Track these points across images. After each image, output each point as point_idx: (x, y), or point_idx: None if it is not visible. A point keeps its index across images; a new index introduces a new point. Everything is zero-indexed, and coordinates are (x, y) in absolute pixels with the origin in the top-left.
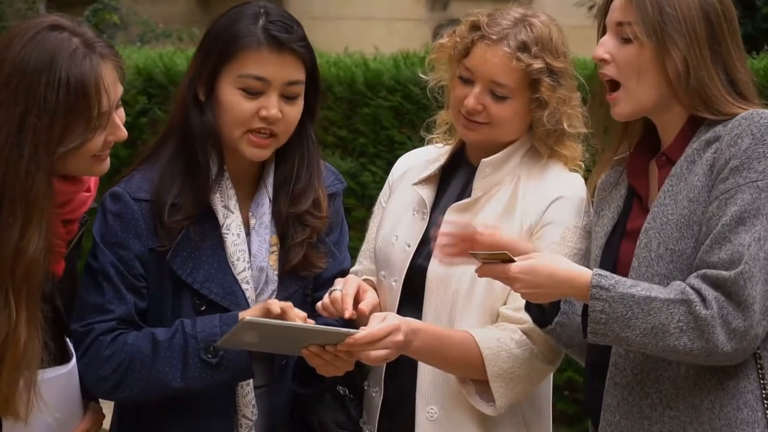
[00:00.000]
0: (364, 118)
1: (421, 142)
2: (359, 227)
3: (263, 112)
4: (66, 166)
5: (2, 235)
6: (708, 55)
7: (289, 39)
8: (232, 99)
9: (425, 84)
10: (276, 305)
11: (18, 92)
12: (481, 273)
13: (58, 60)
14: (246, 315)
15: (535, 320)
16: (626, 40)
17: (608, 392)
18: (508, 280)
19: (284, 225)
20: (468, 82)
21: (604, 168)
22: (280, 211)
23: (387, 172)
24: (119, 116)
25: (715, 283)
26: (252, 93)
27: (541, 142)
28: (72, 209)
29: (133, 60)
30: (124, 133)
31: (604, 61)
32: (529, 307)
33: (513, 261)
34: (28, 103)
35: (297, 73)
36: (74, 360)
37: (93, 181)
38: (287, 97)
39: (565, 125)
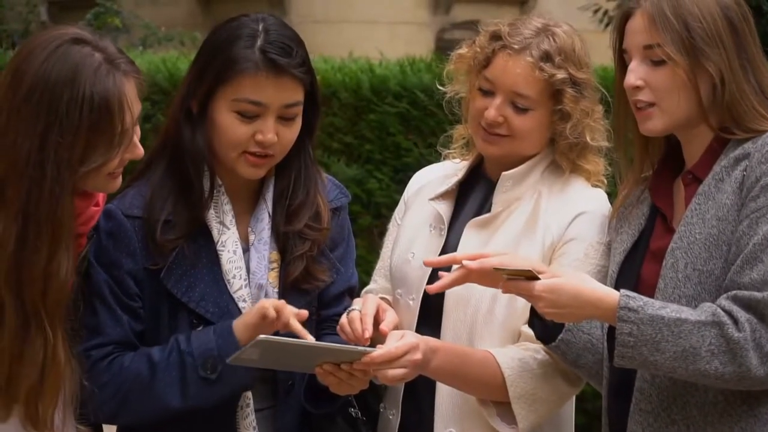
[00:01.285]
0: (369, 125)
1: (427, 149)
2: (365, 235)
3: (259, 137)
4: (85, 184)
5: (31, 258)
6: (737, 65)
7: (288, 64)
8: (227, 122)
9: (432, 90)
10: (270, 309)
11: (40, 107)
12: (505, 289)
13: (82, 75)
14: (240, 323)
15: (538, 336)
16: (657, 63)
17: (633, 418)
18: (532, 298)
19: (283, 240)
20: (488, 93)
21: (629, 189)
22: (279, 227)
23: (393, 179)
24: (136, 133)
25: (748, 305)
26: (248, 116)
27: (563, 156)
28: (82, 223)
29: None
30: (141, 151)
31: (638, 88)
32: (532, 323)
33: (538, 278)
34: (50, 118)
35: (295, 95)
36: None
37: (101, 195)
38: (284, 119)
39: (588, 138)
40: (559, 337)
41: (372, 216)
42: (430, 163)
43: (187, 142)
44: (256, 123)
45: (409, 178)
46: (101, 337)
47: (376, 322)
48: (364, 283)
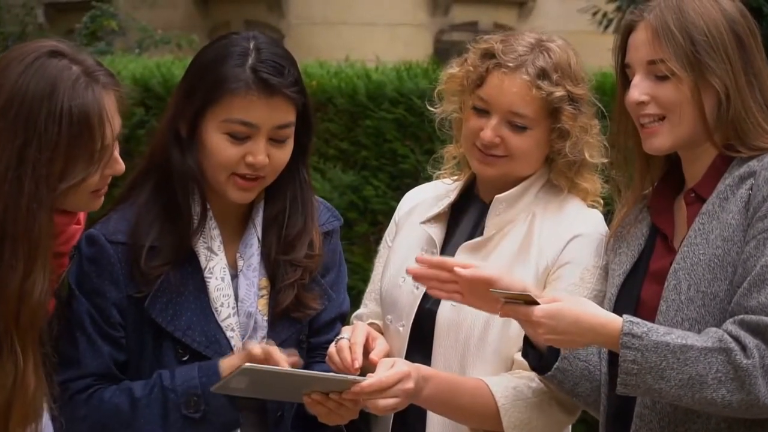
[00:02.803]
0: (366, 131)
1: (423, 155)
2: (361, 242)
3: (249, 159)
4: (65, 202)
5: (5, 276)
6: (743, 79)
7: (280, 83)
8: (217, 143)
9: (430, 97)
10: (258, 349)
11: (17, 122)
12: (503, 313)
13: (59, 89)
14: (226, 363)
15: (533, 366)
16: (661, 78)
17: None
18: (531, 324)
19: (274, 267)
20: (483, 113)
21: (628, 207)
22: (269, 253)
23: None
24: (116, 148)
25: (756, 330)
26: (238, 138)
27: (560, 175)
28: (63, 242)
29: (130, 70)
30: (122, 166)
31: (642, 103)
32: (526, 352)
33: (537, 303)
34: (28, 134)
35: (287, 116)
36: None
37: (82, 213)
38: (276, 140)
39: (587, 155)
40: (555, 366)
41: (368, 223)
42: (426, 169)
43: (176, 164)
44: (247, 145)
45: (406, 184)
46: (80, 368)
47: (366, 350)
48: (361, 292)
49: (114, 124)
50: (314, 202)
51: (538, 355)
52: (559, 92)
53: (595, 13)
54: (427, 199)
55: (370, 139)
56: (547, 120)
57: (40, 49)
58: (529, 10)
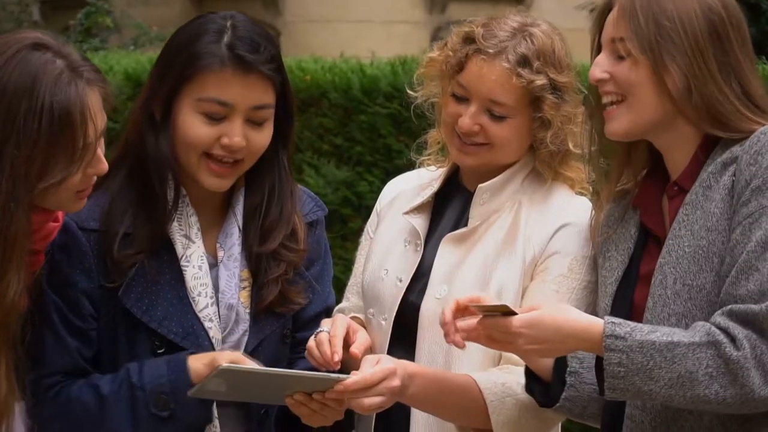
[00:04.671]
0: (360, 126)
1: (419, 151)
2: (355, 238)
3: (225, 140)
4: (44, 200)
5: None
6: (715, 68)
7: (256, 60)
8: (191, 123)
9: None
10: (223, 358)
11: None
12: (483, 327)
13: (41, 84)
14: (196, 365)
15: (540, 402)
16: (621, 57)
17: None
18: (511, 335)
19: (256, 261)
20: (462, 100)
21: (606, 202)
22: (251, 247)
23: (384, 181)
24: (100, 147)
25: (745, 320)
26: (213, 118)
27: (544, 165)
28: (39, 239)
29: (123, 65)
30: (105, 166)
31: (601, 81)
32: (530, 388)
33: (515, 314)
34: (6, 130)
35: (265, 96)
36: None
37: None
38: (253, 122)
39: (570, 145)
40: (563, 397)
41: (363, 219)
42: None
43: (150, 148)
44: (223, 125)
45: None
46: (47, 366)
47: (347, 344)
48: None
49: (97, 122)
50: (297, 191)
51: (544, 388)
52: (540, 80)
53: (592, 10)
54: (409, 189)
55: (365, 134)
56: (528, 109)
57: (22, 41)
58: (527, 7)
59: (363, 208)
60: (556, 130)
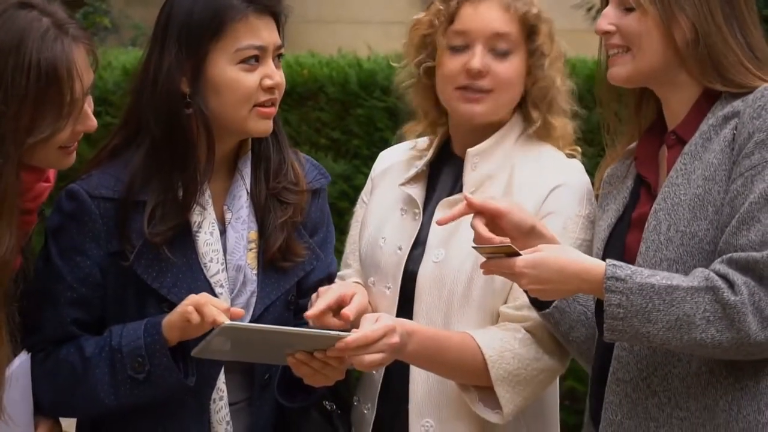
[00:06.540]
0: (357, 119)
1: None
2: None
3: (267, 81)
4: (33, 157)
5: None
6: (721, 19)
7: (270, 2)
8: (235, 76)
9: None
10: (193, 312)
11: None
12: (486, 269)
13: (28, 41)
14: (167, 322)
15: (533, 302)
16: (629, 9)
17: (610, 388)
18: (514, 275)
19: (264, 209)
20: (462, 49)
21: (614, 159)
22: (258, 194)
23: None
24: (89, 104)
25: (745, 267)
26: (252, 65)
27: (534, 107)
28: (30, 199)
29: (121, 61)
30: (94, 123)
31: (608, 33)
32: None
33: (519, 254)
34: None
35: (279, 36)
36: (18, 360)
37: (51, 171)
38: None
39: (558, 82)
40: (554, 305)
41: None
42: None
43: (184, 120)
44: (260, 69)
45: None
46: (40, 334)
47: (341, 307)
48: None
49: (84, 78)
50: (294, 152)
51: None
52: (534, 9)
53: (589, 9)
54: (399, 162)
55: (362, 128)
56: (525, 43)
57: (8, 1)
58: None
59: None
60: (552, 59)
